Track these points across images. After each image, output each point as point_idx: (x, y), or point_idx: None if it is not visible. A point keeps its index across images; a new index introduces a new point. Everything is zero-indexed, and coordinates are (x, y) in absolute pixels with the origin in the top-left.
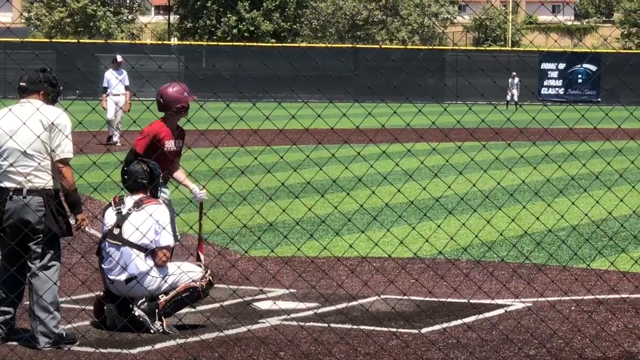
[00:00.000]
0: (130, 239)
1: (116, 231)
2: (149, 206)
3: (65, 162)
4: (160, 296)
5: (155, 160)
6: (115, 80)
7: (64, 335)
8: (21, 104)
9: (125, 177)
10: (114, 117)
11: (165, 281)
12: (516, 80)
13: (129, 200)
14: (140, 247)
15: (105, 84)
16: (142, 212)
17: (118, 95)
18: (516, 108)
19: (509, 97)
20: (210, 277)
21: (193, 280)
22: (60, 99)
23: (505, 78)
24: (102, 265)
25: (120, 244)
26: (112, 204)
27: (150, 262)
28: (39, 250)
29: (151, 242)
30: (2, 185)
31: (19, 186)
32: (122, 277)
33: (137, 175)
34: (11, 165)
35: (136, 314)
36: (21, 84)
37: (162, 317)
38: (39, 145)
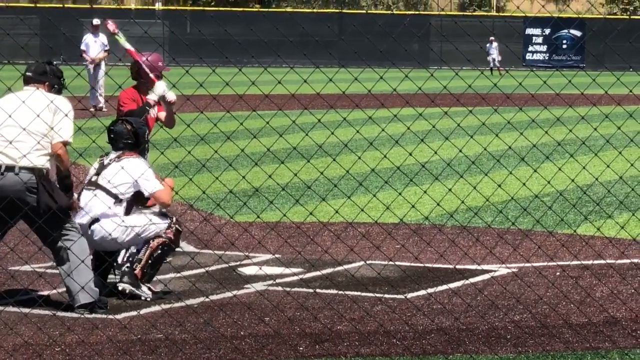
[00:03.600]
0: (104, 185)
1: (94, 178)
2: (128, 158)
3: (65, 143)
4: (135, 266)
5: None
6: (94, 45)
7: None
8: (25, 90)
9: (112, 136)
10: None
11: (132, 230)
12: (494, 44)
13: (113, 154)
14: (110, 193)
15: (83, 47)
16: (121, 162)
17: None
18: (500, 74)
19: (491, 64)
20: (177, 226)
21: (159, 236)
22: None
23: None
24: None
25: (93, 188)
26: (98, 159)
27: (118, 210)
28: (52, 231)
29: (126, 192)
30: None
31: (13, 163)
32: (85, 220)
33: (122, 135)
34: (10, 142)
35: (120, 288)
36: (27, 74)
37: (146, 283)
38: (40, 125)
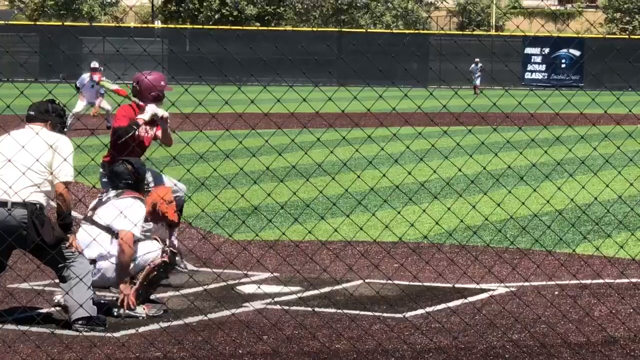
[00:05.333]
0: (99, 222)
1: (90, 213)
2: (127, 198)
3: (66, 184)
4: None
5: (127, 145)
6: (91, 90)
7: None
8: (26, 128)
9: (111, 176)
10: (81, 110)
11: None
12: (479, 65)
13: (112, 192)
14: (104, 228)
15: (78, 84)
16: (119, 200)
17: (91, 103)
18: (476, 93)
19: (477, 82)
20: (171, 248)
21: (152, 262)
22: (44, 81)
23: (488, 62)
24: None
25: (88, 224)
26: (100, 195)
27: (113, 248)
28: (55, 262)
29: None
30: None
31: (6, 199)
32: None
33: (122, 175)
34: (4, 180)
35: (115, 314)
36: (29, 112)
37: (141, 305)
38: (38, 163)
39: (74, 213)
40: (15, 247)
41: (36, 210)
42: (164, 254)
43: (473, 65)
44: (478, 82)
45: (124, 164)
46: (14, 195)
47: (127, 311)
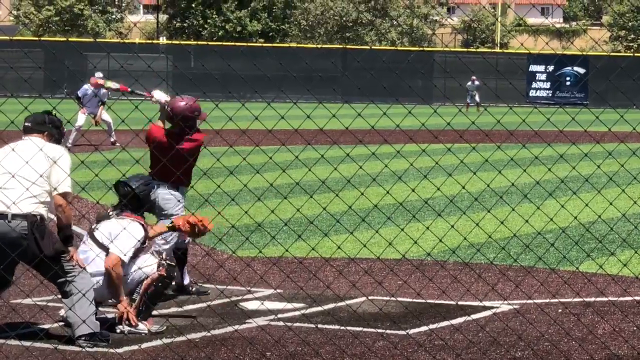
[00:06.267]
0: (97, 238)
1: (94, 226)
2: (125, 219)
3: (65, 196)
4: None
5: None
6: (93, 99)
7: (101, 333)
8: (24, 140)
9: (118, 197)
10: (84, 123)
11: (125, 282)
12: (476, 83)
13: (113, 210)
14: (102, 246)
15: (80, 94)
16: (119, 220)
17: (93, 114)
18: (478, 110)
19: (469, 100)
20: (167, 261)
21: (149, 276)
22: (49, 96)
23: (494, 80)
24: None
25: (91, 239)
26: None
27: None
28: (49, 272)
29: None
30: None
31: (6, 210)
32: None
33: (124, 197)
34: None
35: (118, 331)
36: (26, 124)
37: (142, 321)
38: (35, 174)
39: (76, 228)
40: (18, 261)
41: (36, 222)
42: (161, 268)
43: (469, 83)
44: (477, 98)
45: (125, 187)
46: (14, 207)
47: (129, 328)
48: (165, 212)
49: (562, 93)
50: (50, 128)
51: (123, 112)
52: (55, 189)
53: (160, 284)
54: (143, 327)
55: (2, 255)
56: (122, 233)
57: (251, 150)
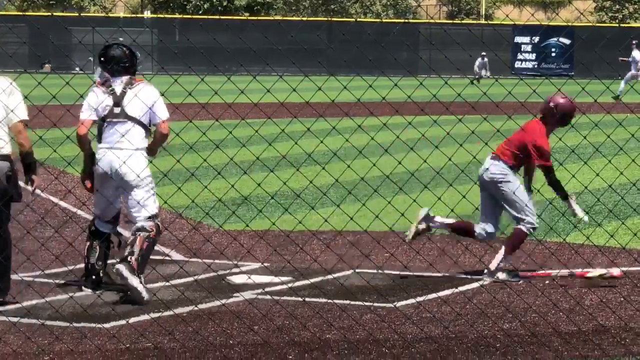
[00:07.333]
0: (134, 116)
1: (117, 110)
2: (140, 85)
3: (24, 123)
4: (129, 258)
5: None
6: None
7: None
8: None
9: (106, 61)
10: None
11: (150, 184)
12: (486, 59)
13: (118, 81)
14: (141, 123)
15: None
16: (138, 89)
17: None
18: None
19: (478, 74)
20: (158, 223)
21: (144, 230)
22: (34, 71)
23: (478, 51)
24: (103, 145)
25: (125, 120)
26: (98, 87)
27: (146, 143)
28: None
29: (148, 118)
30: None
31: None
32: (126, 151)
33: (120, 59)
34: None
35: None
36: None
37: (140, 275)
38: (3, 112)
39: (62, 202)
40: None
41: (10, 163)
42: (152, 224)
43: (479, 59)
44: (483, 73)
45: (119, 47)
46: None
47: (128, 272)
48: None
49: (548, 64)
50: None
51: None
52: (17, 116)
53: (151, 242)
54: (142, 287)
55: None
56: (159, 99)
57: (237, 124)
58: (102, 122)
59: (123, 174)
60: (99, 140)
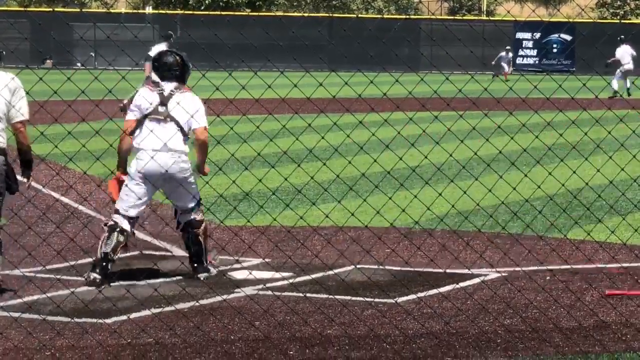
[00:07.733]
0: (176, 117)
1: (161, 109)
2: (188, 93)
3: (25, 122)
4: (202, 258)
5: None
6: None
7: None
8: None
9: (159, 66)
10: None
11: (194, 183)
12: (510, 55)
13: (167, 85)
14: (181, 127)
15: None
16: (184, 95)
17: None
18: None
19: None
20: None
21: (202, 221)
22: (35, 67)
23: (479, 47)
24: (138, 144)
25: (167, 120)
26: (144, 87)
27: (187, 147)
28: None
29: (190, 125)
30: None
31: None
32: (166, 150)
33: (172, 66)
34: None
35: (202, 278)
36: None
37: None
38: (4, 108)
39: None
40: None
41: (6, 156)
42: (200, 213)
43: (503, 54)
44: (506, 68)
45: (172, 55)
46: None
47: (207, 275)
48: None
49: (549, 60)
50: None
51: (110, 82)
52: (21, 114)
53: (205, 233)
54: (213, 269)
55: None
56: (201, 108)
57: (238, 120)
58: (143, 119)
59: (173, 174)
60: (138, 139)
